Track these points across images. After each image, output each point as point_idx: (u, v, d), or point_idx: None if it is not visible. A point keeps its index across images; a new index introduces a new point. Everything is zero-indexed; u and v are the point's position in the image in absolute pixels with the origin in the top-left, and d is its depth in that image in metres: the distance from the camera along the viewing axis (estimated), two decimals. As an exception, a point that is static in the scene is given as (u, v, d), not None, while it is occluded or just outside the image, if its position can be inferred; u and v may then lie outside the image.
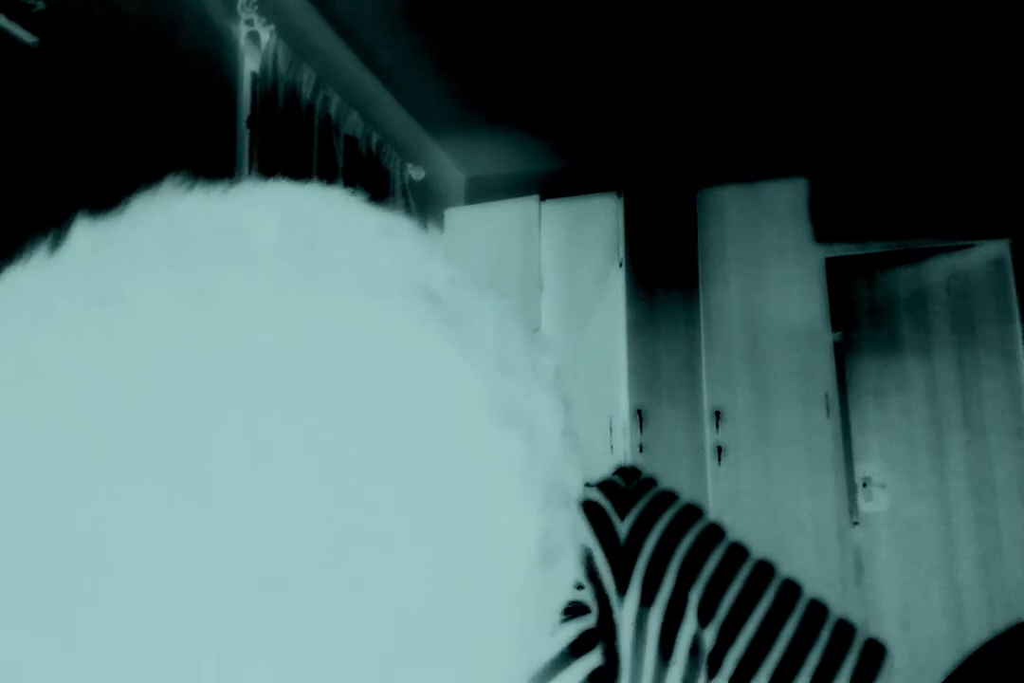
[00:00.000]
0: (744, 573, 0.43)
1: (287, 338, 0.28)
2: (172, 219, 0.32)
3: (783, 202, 3.89)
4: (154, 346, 0.27)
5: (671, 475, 3.83)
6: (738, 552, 0.44)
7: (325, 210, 0.34)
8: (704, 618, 0.41)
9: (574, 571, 0.31)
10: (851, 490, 3.84)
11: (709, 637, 0.40)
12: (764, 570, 0.44)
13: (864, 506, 3.96)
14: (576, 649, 0.39)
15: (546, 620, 0.30)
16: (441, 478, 0.28)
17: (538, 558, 0.29)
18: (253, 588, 0.25)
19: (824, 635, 0.41)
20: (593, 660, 0.40)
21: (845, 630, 0.42)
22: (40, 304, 0.29)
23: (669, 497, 0.47)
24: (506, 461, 0.29)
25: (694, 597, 0.41)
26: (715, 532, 0.45)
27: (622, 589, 0.42)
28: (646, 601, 0.41)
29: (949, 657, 3.40)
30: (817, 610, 0.42)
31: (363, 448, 0.27)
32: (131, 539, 0.25)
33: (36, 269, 0.31)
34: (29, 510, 0.26)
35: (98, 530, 0.25)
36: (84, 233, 0.32)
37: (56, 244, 0.32)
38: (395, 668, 0.26)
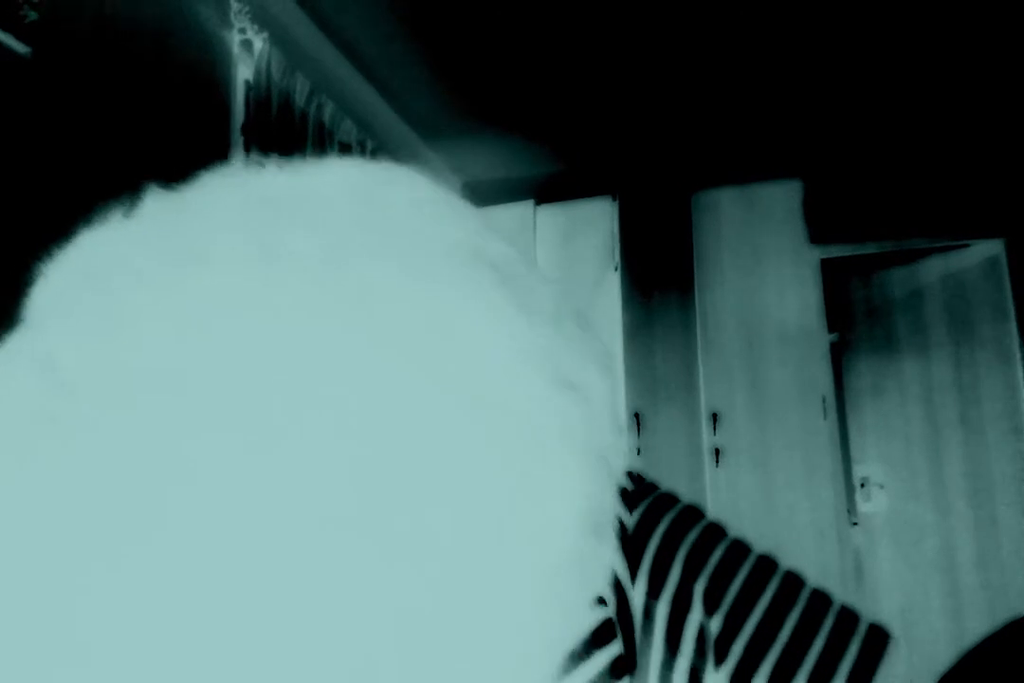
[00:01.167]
0: (748, 564, 0.44)
1: (356, 298, 0.28)
2: (245, 190, 0.33)
3: (778, 204, 3.90)
4: (228, 305, 0.28)
5: (669, 478, 3.83)
6: (740, 546, 0.45)
7: (394, 183, 0.35)
8: (710, 607, 0.41)
9: (613, 549, 0.31)
10: (849, 491, 3.84)
11: (715, 625, 0.41)
12: (766, 562, 0.45)
13: (863, 506, 3.96)
14: (597, 639, 0.39)
15: (588, 594, 0.30)
16: (498, 435, 0.28)
17: (586, 527, 0.29)
18: (301, 547, 0.25)
19: (828, 621, 0.42)
20: (614, 650, 0.40)
21: (848, 616, 0.43)
22: (118, 262, 0.30)
23: (672, 498, 0.48)
24: (562, 424, 0.29)
25: (699, 588, 0.42)
26: (717, 529, 0.46)
27: (632, 579, 0.43)
28: (653, 593, 0.42)
29: (948, 657, 3.40)
30: (820, 598, 0.43)
31: (416, 402, 0.27)
32: (195, 490, 0.26)
33: (113, 230, 0.32)
34: (104, 446, 0.26)
35: (164, 475, 0.26)
36: (158, 199, 0.34)
37: (131, 208, 0.33)
38: (436, 633, 0.26)
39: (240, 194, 0.33)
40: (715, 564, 0.43)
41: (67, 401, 0.27)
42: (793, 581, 0.44)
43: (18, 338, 0.31)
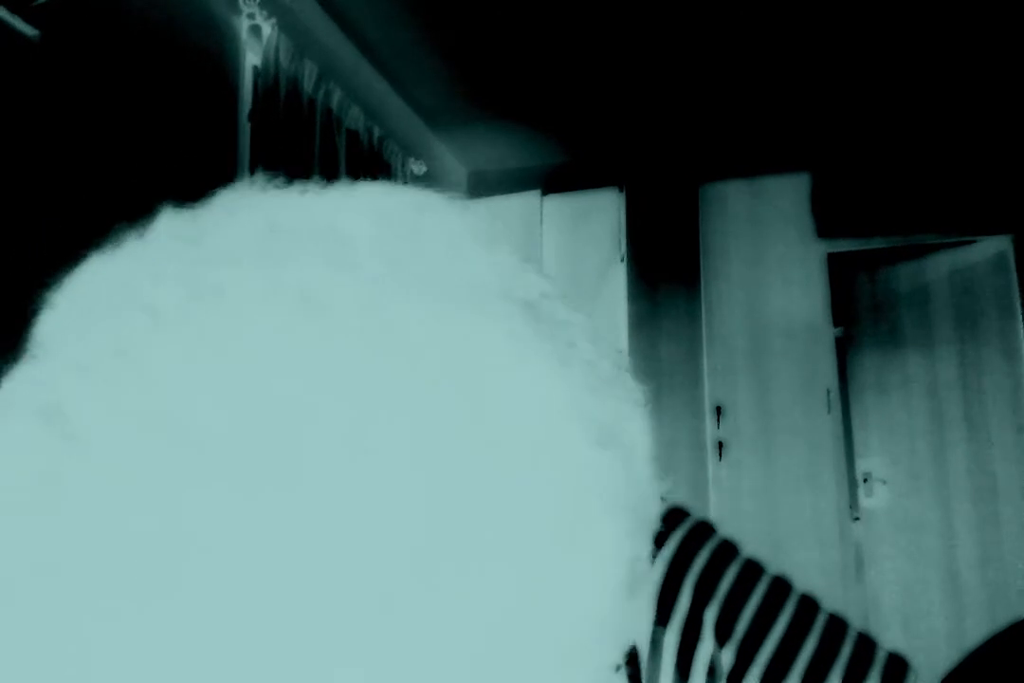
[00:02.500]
0: (760, 590, 0.42)
1: (386, 345, 0.27)
2: (265, 216, 0.31)
3: (785, 197, 3.89)
4: (250, 344, 0.26)
5: (672, 471, 3.83)
6: (753, 569, 0.43)
7: (423, 214, 0.33)
8: (721, 638, 0.40)
9: (649, 604, 0.30)
10: (852, 485, 3.84)
11: (727, 657, 0.39)
12: (780, 587, 0.43)
13: (865, 501, 3.96)
14: None
15: (620, 653, 0.29)
16: (535, 496, 0.27)
17: (623, 587, 0.28)
18: (340, 589, 0.25)
19: (845, 651, 0.40)
20: None
21: (866, 646, 0.41)
22: (129, 294, 0.29)
23: (680, 514, 0.46)
24: (601, 483, 0.28)
25: (710, 616, 0.40)
26: (728, 549, 0.44)
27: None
28: (661, 621, 0.40)
29: (948, 652, 3.40)
30: (836, 626, 0.41)
31: (457, 460, 0.26)
32: (215, 537, 0.25)
33: (124, 257, 0.31)
34: (116, 501, 0.25)
35: (183, 526, 0.25)
36: (173, 224, 0.32)
37: (143, 232, 0.31)
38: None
39: (258, 221, 0.31)
40: (727, 589, 0.41)
41: (75, 458, 0.26)
42: (808, 607, 0.42)
43: (22, 376, 0.29)
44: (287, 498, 0.25)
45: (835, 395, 3.65)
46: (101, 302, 0.29)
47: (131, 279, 0.29)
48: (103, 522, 0.25)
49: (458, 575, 0.25)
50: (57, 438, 0.26)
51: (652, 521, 0.31)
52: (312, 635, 0.24)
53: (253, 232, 0.30)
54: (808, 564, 3.42)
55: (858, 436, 4.02)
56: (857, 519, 3.92)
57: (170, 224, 0.32)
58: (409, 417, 0.26)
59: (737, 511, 3.57)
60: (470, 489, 0.26)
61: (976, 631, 3.50)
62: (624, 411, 0.31)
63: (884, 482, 3.92)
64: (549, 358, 0.29)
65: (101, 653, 0.24)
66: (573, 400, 0.29)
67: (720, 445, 3.73)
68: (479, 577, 0.26)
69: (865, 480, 3.97)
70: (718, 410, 3.77)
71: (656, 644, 0.40)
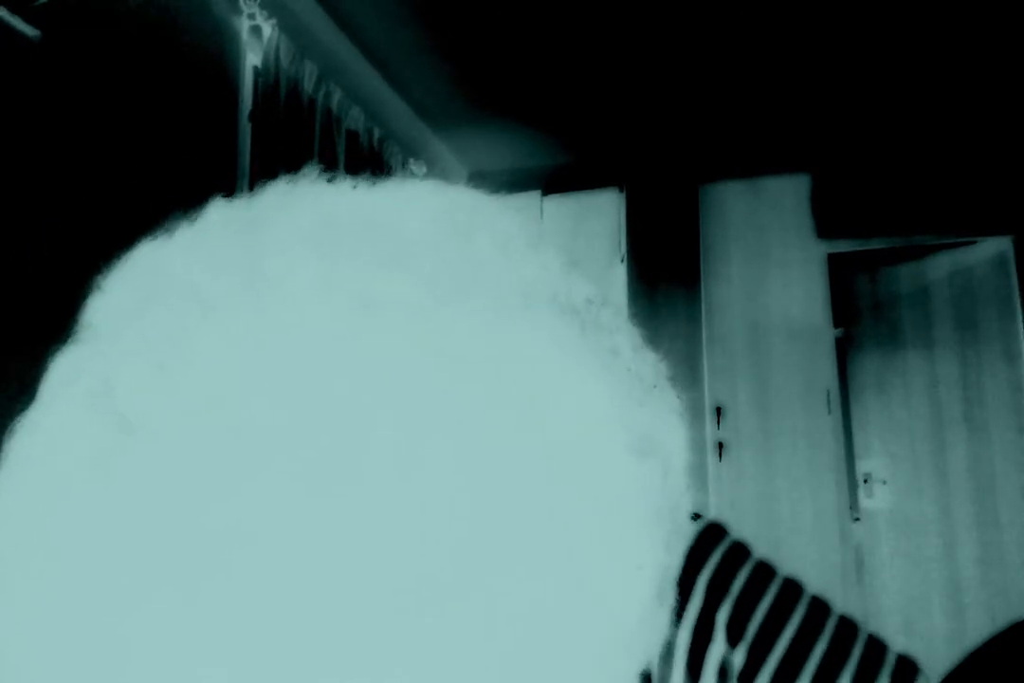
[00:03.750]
0: (772, 592, 0.42)
1: (434, 347, 0.27)
2: (321, 209, 0.31)
3: (785, 198, 3.89)
4: (301, 337, 0.27)
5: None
6: (765, 570, 0.44)
7: (472, 214, 0.33)
8: (733, 638, 0.40)
9: (671, 614, 0.30)
10: (852, 486, 3.84)
11: (739, 657, 0.40)
12: (792, 589, 0.43)
13: (865, 502, 3.96)
14: None
15: (642, 663, 0.29)
16: (576, 502, 0.27)
17: (654, 597, 0.28)
18: (379, 586, 0.25)
19: (856, 653, 0.40)
20: None
21: (877, 648, 0.41)
22: (180, 282, 0.29)
23: (693, 517, 0.46)
24: (640, 493, 0.28)
25: (722, 617, 0.41)
26: (741, 550, 0.44)
27: None
28: (674, 620, 0.40)
29: (949, 653, 3.40)
30: (847, 627, 0.42)
31: (501, 465, 0.26)
32: (258, 528, 0.24)
33: (179, 244, 0.31)
34: (162, 485, 0.25)
35: (230, 517, 0.25)
36: (225, 213, 0.32)
37: (194, 221, 0.31)
38: None
39: (313, 214, 0.31)
40: (739, 590, 0.42)
41: (122, 437, 0.26)
42: (819, 609, 0.42)
43: (71, 359, 0.29)
44: (330, 493, 0.25)
45: (835, 395, 3.65)
46: (153, 288, 0.29)
47: (184, 266, 0.29)
48: (149, 506, 0.25)
49: (496, 579, 0.25)
50: (106, 420, 0.26)
51: (684, 531, 0.31)
52: (350, 631, 0.24)
53: (308, 224, 0.30)
54: (808, 565, 3.42)
55: (858, 437, 4.02)
56: (857, 520, 3.92)
57: (222, 213, 0.32)
58: (455, 421, 0.26)
59: (737, 512, 3.57)
60: (512, 494, 0.26)
61: (976, 631, 3.50)
62: (664, 420, 0.31)
63: (884, 483, 3.92)
64: (594, 365, 0.29)
65: (138, 641, 0.24)
66: (616, 408, 0.29)
67: (720, 446, 3.73)
68: (517, 582, 0.26)
69: (865, 481, 3.96)
70: (718, 411, 3.76)
71: (668, 643, 0.40)
